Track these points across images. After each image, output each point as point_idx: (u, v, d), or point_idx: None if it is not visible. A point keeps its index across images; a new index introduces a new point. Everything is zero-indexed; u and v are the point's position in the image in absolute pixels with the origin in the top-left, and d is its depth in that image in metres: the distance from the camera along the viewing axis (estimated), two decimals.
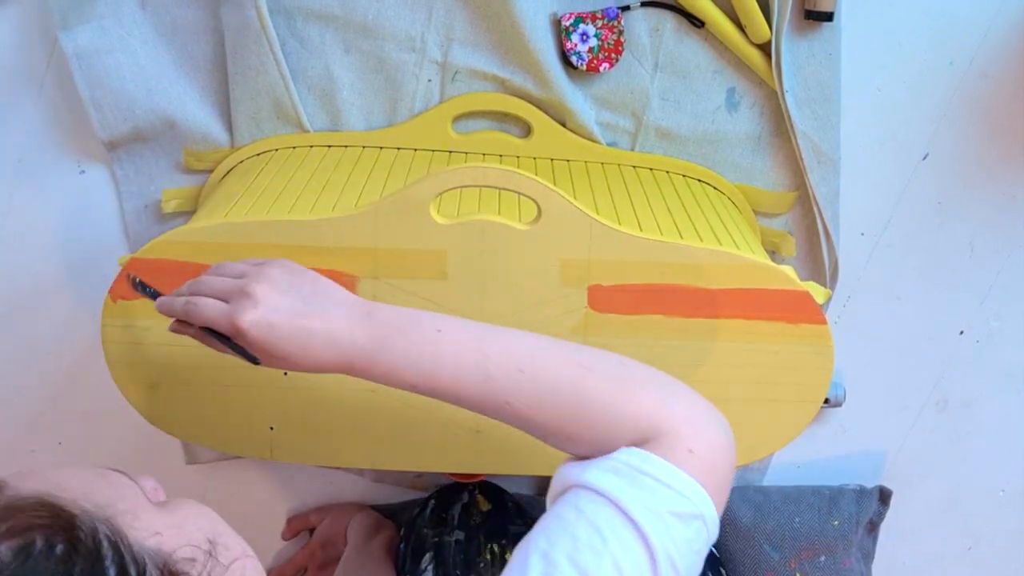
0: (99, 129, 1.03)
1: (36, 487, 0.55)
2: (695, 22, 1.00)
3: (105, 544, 0.54)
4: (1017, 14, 1.03)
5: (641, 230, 0.88)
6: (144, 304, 0.87)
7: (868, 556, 1.20)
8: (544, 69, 1.00)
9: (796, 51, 1.01)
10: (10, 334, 1.15)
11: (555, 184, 0.84)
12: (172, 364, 0.90)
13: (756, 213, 1.09)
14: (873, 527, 1.20)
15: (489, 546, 1.03)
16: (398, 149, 1.05)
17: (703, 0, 0.99)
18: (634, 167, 1.06)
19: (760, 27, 0.99)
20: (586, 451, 0.70)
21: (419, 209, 0.84)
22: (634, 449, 0.67)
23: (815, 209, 1.07)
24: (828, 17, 0.98)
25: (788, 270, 0.89)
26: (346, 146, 1.05)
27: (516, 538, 1.07)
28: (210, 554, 0.59)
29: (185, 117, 1.03)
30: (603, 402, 0.69)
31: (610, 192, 0.98)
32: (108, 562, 0.53)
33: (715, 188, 1.06)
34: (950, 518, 1.28)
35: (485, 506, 1.09)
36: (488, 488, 1.12)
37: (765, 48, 1.01)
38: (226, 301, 0.71)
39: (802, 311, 0.89)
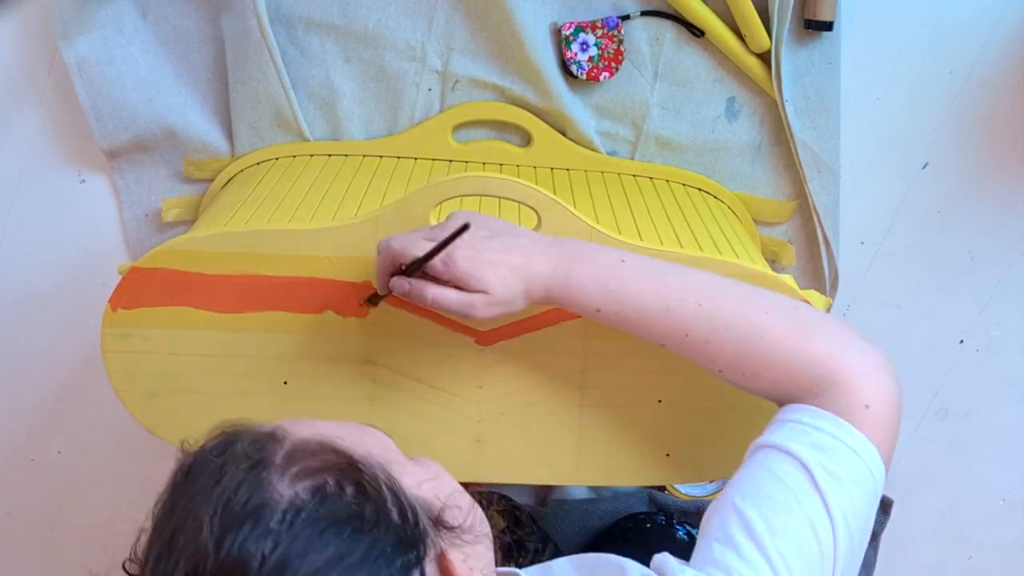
0: (100, 138, 1.03)
1: (312, 433, 0.59)
2: (695, 31, 1.01)
3: (385, 489, 0.58)
4: (1016, 24, 1.03)
5: (641, 239, 0.88)
6: (144, 313, 0.87)
7: (869, 566, 1.20)
8: (544, 78, 1.00)
9: (796, 60, 1.01)
10: (10, 342, 1.15)
11: (555, 193, 0.84)
12: (172, 373, 0.90)
13: (756, 222, 1.09)
14: (874, 537, 1.19)
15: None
16: (398, 158, 1.05)
17: (703, 9, 0.99)
18: (634, 176, 1.06)
19: (760, 36, 0.99)
20: (764, 390, 0.75)
21: (419, 218, 0.84)
22: (816, 410, 0.70)
23: (815, 218, 1.07)
24: (828, 26, 0.98)
25: (788, 279, 0.89)
26: (346, 155, 1.05)
27: (534, 554, 1.06)
28: (472, 505, 0.64)
29: (186, 126, 1.03)
30: (779, 344, 0.73)
31: (610, 201, 0.98)
32: (390, 505, 0.57)
33: (715, 197, 1.06)
34: (950, 527, 1.28)
35: (501, 523, 1.09)
36: (500, 503, 1.11)
37: (765, 57, 1.01)
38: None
39: None
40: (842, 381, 0.71)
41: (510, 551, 1.04)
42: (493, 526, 1.09)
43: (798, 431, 0.69)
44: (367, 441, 0.62)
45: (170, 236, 1.05)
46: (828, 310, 1.12)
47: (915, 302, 1.15)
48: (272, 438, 0.59)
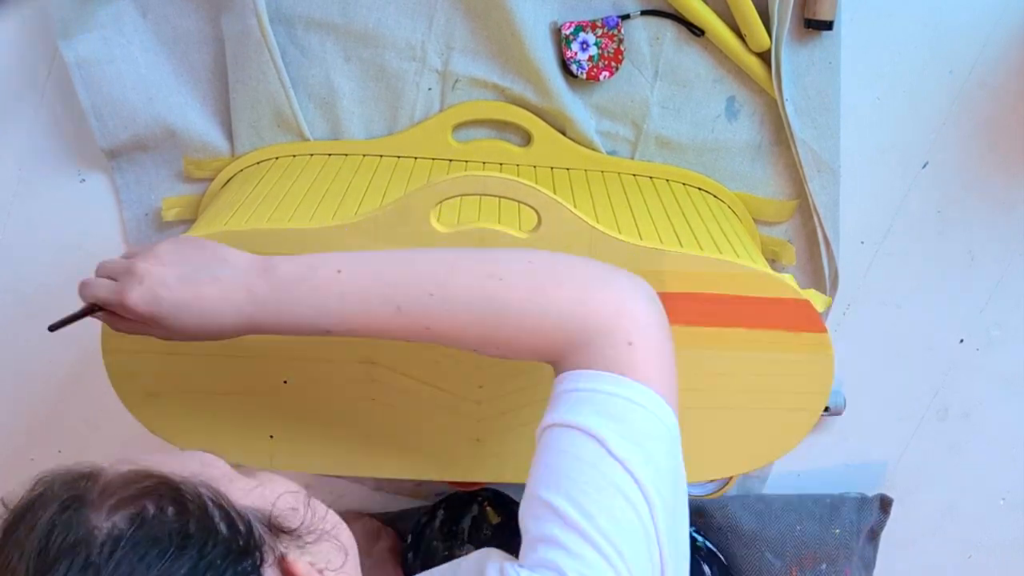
0: (100, 138, 1.03)
1: (130, 467, 0.58)
2: (695, 31, 1.00)
3: (210, 504, 0.57)
4: (1016, 24, 1.03)
5: (641, 239, 0.88)
6: None
7: (869, 565, 1.20)
8: (544, 78, 1.00)
9: (796, 60, 1.01)
10: (10, 342, 1.15)
11: (555, 193, 0.84)
12: (172, 373, 0.90)
13: (756, 221, 1.09)
14: (874, 535, 1.20)
15: None
16: (398, 157, 1.05)
17: (703, 9, 0.99)
18: (634, 176, 1.06)
19: (760, 36, 0.99)
20: (527, 356, 0.71)
21: (419, 218, 0.84)
22: (588, 373, 0.67)
23: (815, 218, 1.07)
24: (828, 26, 0.98)
25: (788, 278, 0.89)
26: (346, 154, 1.05)
27: None
28: (307, 504, 0.63)
29: (186, 126, 1.03)
30: (523, 309, 0.69)
31: (610, 201, 0.98)
32: (217, 519, 0.56)
33: (715, 197, 1.06)
34: (950, 527, 1.28)
35: (495, 519, 1.09)
36: (496, 499, 1.12)
37: (765, 57, 1.01)
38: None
39: (802, 319, 0.89)
40: (596, 327, 0.67)
41: (502, 549, 1.04)
42: (488, 522, 1.10)
43: (576, 400, 0.66)
44: (191, 464, 0.61)
45: (170, 235, 1.05)
46: (828, 310, 1.12)
47: (915, 301, 1.15)
48: (87, 477, 0.58)
